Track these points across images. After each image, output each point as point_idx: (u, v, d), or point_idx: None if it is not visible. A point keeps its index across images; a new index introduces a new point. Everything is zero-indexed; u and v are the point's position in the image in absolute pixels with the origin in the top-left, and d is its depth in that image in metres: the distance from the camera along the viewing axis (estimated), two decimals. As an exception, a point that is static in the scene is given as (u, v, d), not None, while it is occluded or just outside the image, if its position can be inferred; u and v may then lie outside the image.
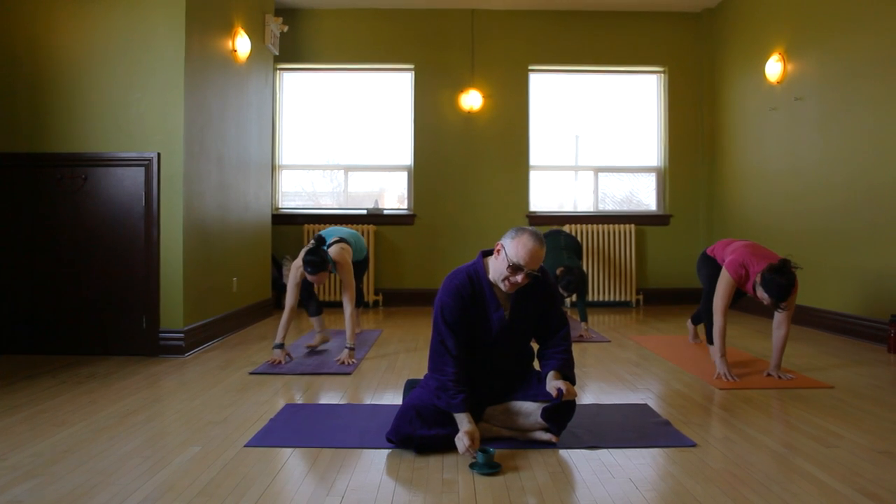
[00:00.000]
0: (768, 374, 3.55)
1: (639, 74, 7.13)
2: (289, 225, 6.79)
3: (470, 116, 6.90)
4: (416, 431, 2.35)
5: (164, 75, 4.16)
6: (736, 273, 3.50)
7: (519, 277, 2.33)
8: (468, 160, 6.91)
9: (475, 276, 2.46)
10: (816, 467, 2.24)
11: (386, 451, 2.40)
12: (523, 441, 2.48)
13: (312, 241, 3.97)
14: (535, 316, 2.53)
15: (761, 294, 3.37)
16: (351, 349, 3.96)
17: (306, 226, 6.73)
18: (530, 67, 7.01)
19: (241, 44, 5.21)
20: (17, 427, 2.68)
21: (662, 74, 7.10)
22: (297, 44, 6.84)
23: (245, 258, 5.47)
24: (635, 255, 6.89)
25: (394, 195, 7.16)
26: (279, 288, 6.29)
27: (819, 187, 5.14)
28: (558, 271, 4.63)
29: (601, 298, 6.85)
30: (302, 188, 7.19)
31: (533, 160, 7.03)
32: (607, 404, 3.05)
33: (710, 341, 3.86)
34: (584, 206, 7.16)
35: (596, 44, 6.98)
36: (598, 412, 2.90)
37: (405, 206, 7.06)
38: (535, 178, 7.07)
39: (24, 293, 4.19)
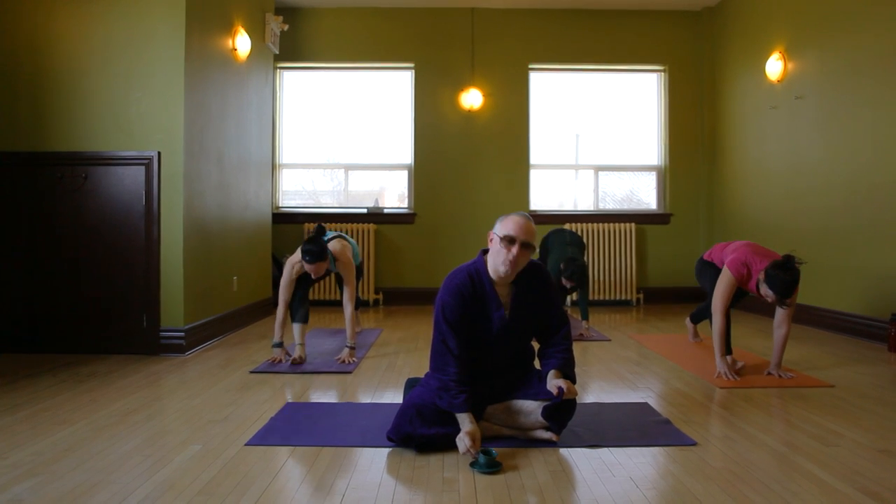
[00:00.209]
0: (769, 373, 3.55)
1: (639, 73, 7.13)
2: (289, 224, 6.78)
3: (470, 115, 6.89)
4: (417, 430, 2.36)
5: (164, 74, 4.16)
6: (737, 272, 3.50)
7: (515, 249, 2.36)
8: (468, 159, 6.91)
9: (476, 275, 2.47)
10: (817, 466, 2.24)
11: (386, 450, 2.40)
12: (524, 440, 2.48)
13: (312, 231, 3.92)
14: (536, 314, 2.53)
15: (765, 291, 3.37)
16: (351, 348, 3.96)
17: (307, 225, 6.72)
18: (530, 66, 7.00)
19: (242, 43, 5.21)
20: (18, 426, 2.68)
21: (663, 73, 7.10)
22: (297, 43, 6.84)
23: (245, 257, 5.47)
24: (636, 254, 6.89)
25: (394, 194, 7.16)
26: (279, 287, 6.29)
27: (819, 186, 5.14)
28: (561, 265, 4.64)
29: (602, 297, 6.85)
30: (302, 187, 7.19)
31: (533, 159, 7.03)
32: (608, 403, 3.05)
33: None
34: (585, 204, 7.16)
35: (596, 42, 6.98)
36: (599, 411, 2.90)
37: (405, 204, 7.06)
38: (535, 176, 7.06)
39: (24, 292, 4.19)
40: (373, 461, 2.30)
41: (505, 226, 2.40)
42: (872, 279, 4.58)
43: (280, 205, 7.00)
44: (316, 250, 3.71)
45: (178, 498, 1.97)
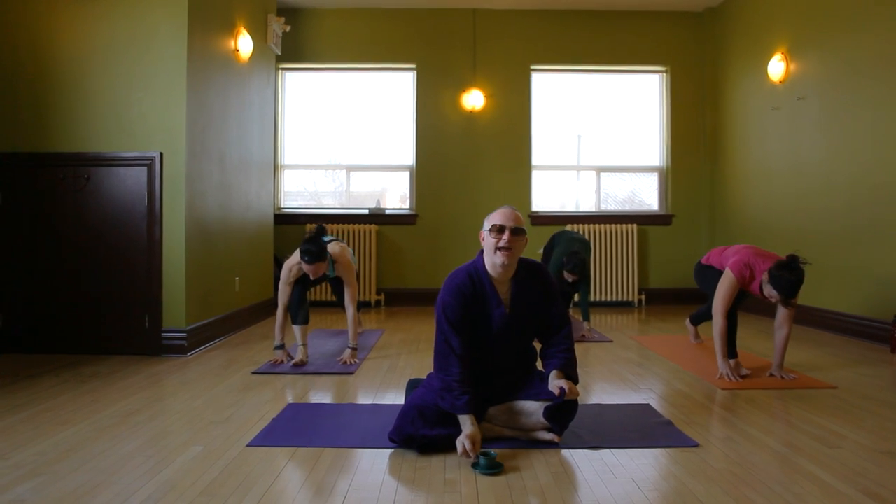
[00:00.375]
0: (771, 375, 3.55)
1: (641, 74, 7.12)
2: (291, 224, 6.79)
3: (472, 116, 6.90)
4: (419, 431, 2.36)
5: (166, 75, 4.17)
6: (740, 273, 3.49)
7: (505, 236, 2.40)
8: (470, 160, 6.91)
9: (475, 274, 2.49)
10: (819, 468, 2.23)
11: (388, 451, 2.40)
12: (525, 441, 2.48)
13: (311, 232, 3.88)
14: (536, 313, 2.54)
15: (769, 292, 3.36)
16: (353, 349, 3.96)
17: (308, 226, 6.70)
18: (532, 67, 7.00)
19: (244, 43, 5.21)
20: (20, 426, 2.69)
21: (664, 74, 7.10)
22: (299, 43, 6.84)
23: (247, 258, 5.47)
24: (637, 255, 6.88)
25: (396, 195, 7.16)
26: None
27: (821, 187, 5.13)
28: (564, 258, 4.64)
29: (603, 298, 6.84)
30: (304, 188, 7.19)
31: (535, 160, 7.03)
32: (609, 404, 3.05)
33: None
34: (587, 205, 7.16)
35: (598, 43, 6.97)
36: (601, 412, 2.89)
37: (407, 205, 7.07)
38: (537, 177, 7.06)
39: (26, 292, 4.20)
40: (374, 462, 2.30)
41: (491, 219, 2.48)
42: (875, 280, 4.57)
43: (282, 205, 7.00)
44: (315, 250, 3.70)
45: (179, 499, 1.97)
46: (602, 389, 3.35)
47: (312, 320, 5.59)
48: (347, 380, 3.56)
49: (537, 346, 2.65)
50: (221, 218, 4.86)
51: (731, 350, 3.61)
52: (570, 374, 2.48)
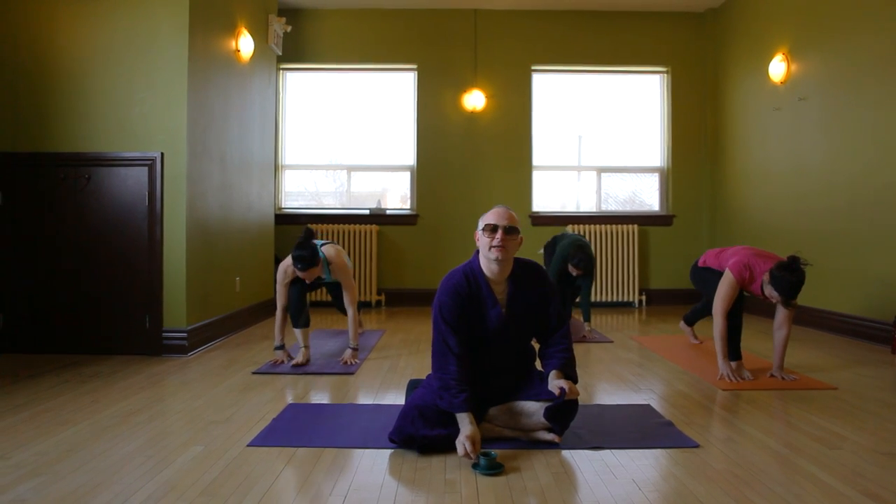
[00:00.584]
0: (771, 375, 3.54)
1: (642, 74, 7.12)
2: (292, 225, 6.79)
3: (473, 116, 6.90)
4: (419, 431, 2.36)
5: (167, 75, 4.17)
6: (739, 274, 3.49)
7: (499, 235, 2.41)
8: (471, 160, 6.91)
9: (471, 274, 2.50)
10: (819, 469, 2.23)
11: (388, 451, 2.40)
12: (526, 441, 2.48)
13: (301, 236, 3.77)
14: (533, 312, 2.54)
15: (770, 292, 3.37)
16: (354, 349, 3.96)
17: (309, 226, 6.72)
18: (533, 67, 7.00)
19: (245, 44, 5.22)
20: (21, 426, 2.69)
21: (665, 74, 7.10)
22: (300, 44, 6.85)
23: (248, 258, 5.48)
24: (638, 256, 6.88)
25: (397, 195, 7.16)
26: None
27: (823, 187, 5.13)
28: (570, 251, 4.60)
29: (604, 299, 6.84)
30: (305, 188, 7.20)
31: (536, 160, 7.03)
32: (610, 405, 3.05)
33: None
34: (587, 206, 7.16)
35: (599, 44, 6.98)
36: (601, 413, 2.89)
37: (408, 206, 7.07)
38: (537, 178, 7.06)
39: (27, 292, 4.20)
40: (375, 462, 2.30)
41: (485, 219, 2.48)
42: (875, 281, 4.57)
43: (283, 206, 7.01)
44: (306, 256, 3.63)
45: (180, 499, 1.97)
46: (602, 390, 3.35)
47: (312, 321, 5.59)
48: (348, 380, 3.56)
49: (536, 345, 2.65)
50: (222, 218, 4.87)
51: (735, 352, 3.60)
52: (570, 374, 2.48)
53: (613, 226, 6.86)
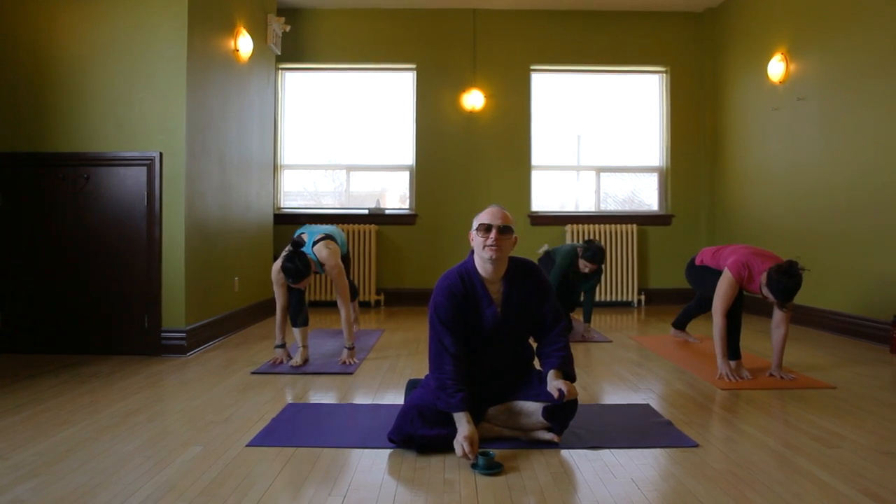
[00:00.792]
0: (770, 375, 3.55)
1: (641, 74, 7.12)
2: (291, 225, 6.77)
3: (472, 116, 6.90)
4: (418, 431, 2.36)
5: (166, 75, 4.17)
6: (738, 273, 3.50)
7: (492, 234, 2.42)
8: (470, 160, 6.91)
9: (466, 275, 2.51)
10: (818, 468, 2.23)
11: (387, 451, 2.40)
12: (525, 441, 2.48)
13: (289, 246, 3.74)
14: (529, 311, 2.54)
15: (767, 293, 3.38)
16: (350, 349, 3.95)
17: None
18: (532, 67, 7.00)
19: (244, 43, 5.21)
20: (20, 426, 2.69)
21: (664, 74, 7.10)
22: (299, 43, 6.84)
23: (247, 258, 5.47)
24: (637, 256, 6.88)
25: (395, 195, 7.16)
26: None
27: (821, 187, 5.13)
28: (579, 249, 4.55)
29: (603, 298, 6.84)
30: (304, 188, 7.19)
31: (535, 160, 7.03)
32: (609, 404, 3.05)
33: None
34: (586, 206, 7.16)
35: (598, 43, 6.98)
36: (600, 412, 2.89)
37: (407, 205, 7.07)
38: (536, 177, 7.06)
39: (26, 292, 4.19)
40: (374, 462, 2.30)
41: (479, 219, 2.49)
42: (874, 280, 4.58)
43: (281, 205, 7.00)
44: (296, 269, 3.65)
45: (179, 499, 1.97)
46: (602, 390, 3.35)
47: (312, 320, 5.59)
48: (347, 380, 3.56)
49: (534, 344, 2.65)
50: (221, 218, 4.86)
51: (734, 351, 3.61)
52: (568, 373, 2.48)
53: (612, 225, 6.86)
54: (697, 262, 4.09)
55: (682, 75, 7.03)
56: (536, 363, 2.64)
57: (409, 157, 7.01)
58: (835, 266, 4.96)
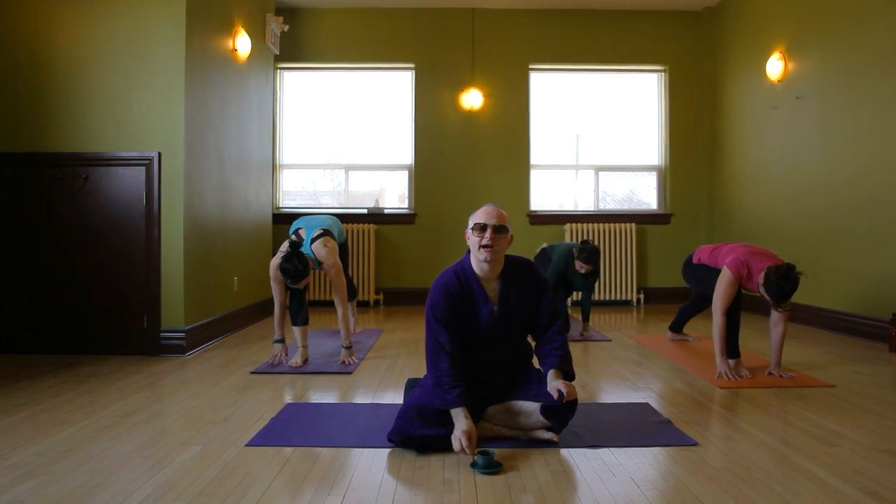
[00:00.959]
0: (769, 373, 3.55)
1: (639, 73, 7.13)
2: (289, 224, 6.76)
3: (470, 115, 6.89)
4: (417, 431, 2.35)
5: (164, 75, 4.16)
6: (737, 272, 3.50)
7: (487, 234, 2.43)
8: (469, 159, 6.91)
9: (462, 273, 2.52)
10: (818, 466, 2.23)
11: (387, 451, 2.40)
12: (525, 440, 2.48)
13: (287, 245, 3.72)
14: (526, 308, 2.55)
15: (763, 292, 3.39)
16: (348, 348, 3.95)
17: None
18: (531, 66, 7.00)
19: (242, 43, 5.21)
20: (19, 426, 2.68)
21: (663, 73, 7.10)
22: (297, 43, 6.84)
23: (246, 257, 5.47)
24: (636, 254, 6.89)
25: (394, 194, 7.16)
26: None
27: (820, 186, 5.14)
28: (575, 250, 4.56)
29: (602, 297, 6.84)
30: (303, 187, 7.19)
31: (533, 159, 7.03)
32: (608, 403, 3.05)
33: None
34: (585, 205, 7.16)
35: (596, 42, 6.98)
36: (600, 411, 2.89)
37: (406, 205, 7.06)
38: (535, 177, 7.06)
39: (24, 293, 4.19)
40: (373, 462, 2.30)
41: (474, 218, 2.50)
42: (873, 279, 4.58)
43: (280, 205, 7.00)
44: (294, 270, 3.63)
45: (178, 499, 1.97)
46: (601, 388, 3.35)
47: (312, 320, 5.59)
48: (346, 379, 3.56)
49: (533, 342, 2.65)
50: (220, 218, 4.86)
51: (733, 350, 3.61)
52: (567, 372, 2.49)
53: (611, 224, 6.86)
54: (695, 260, 4.09)
55: (681, 74, 7.03)
56: (535, 362, 2.64)
57: (407, 157, 7.01)
58: (834, 264, 4.96)
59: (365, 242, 6.75)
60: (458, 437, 2.27)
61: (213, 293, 4.71)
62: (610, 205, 7.17)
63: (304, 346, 3.91)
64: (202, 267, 4.49)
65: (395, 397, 3.16)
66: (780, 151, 5.68)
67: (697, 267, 4.05)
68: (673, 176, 7.03)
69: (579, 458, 2.32)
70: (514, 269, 2.55)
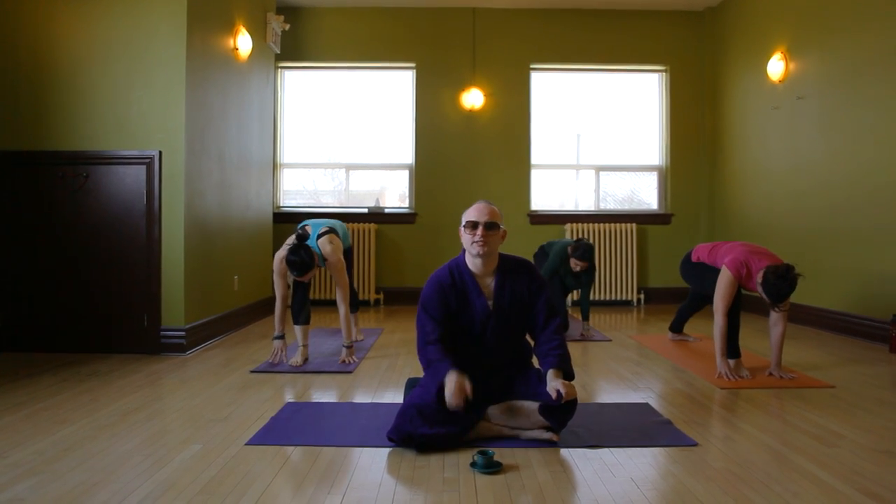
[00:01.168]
0: (770, 374, 3.55)
1: (640, 73, 7.12)
2: (290, 223, 6.76)
3: (471, 115, 6.89)
4: (417, 430, 2.36)
5: (165, 73, 4.16)
6: (737, 271, 3.50)
7: (479, 231, 2.48)
8: (469, 159, 6.91)
9: (456, 269, 2.57)
10: (817, 467, 2.23)
11: (387, 450, 2.40)
12: (524, 440, 2.48)
13: (294, 238, 3.72)
14: (522, 305, 2.56)
15: (761, 292, 3.39)
16: (348, 347, 3.94)
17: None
18: (532, 66, 7.00)
19: (243, 42, 5.21)
20: (19, 425, 2.69)
21: (664, 73, 7.10)
22: (298, 42, 6.84)
23: (246, 256, 5.47)
24: (636, 254, 6.88)
25: (395, 194, 7.16)
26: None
27: (821, 186, 5.13)
28: (569, 248, 4.56)
29: (602, 297, 6.84)
30: (303, 187, 7.19)
31: (534, 159, 7.02)
32: (608, 403, 3.05)
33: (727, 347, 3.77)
34: (586, 205, 7.16)
35: (597, 42, 6.97)
36: (600, 411, 2.89)
37: (406, 204, 7.06)
38: (536, 176, 7.06)
39: (25, 291, 4.19)
40: (373, 461, 2.30)
41: (466, 215, 2.55)
42: (873, 279, 4.58)
43: (281, 204, 7.00)
44: (301, 262, 3.62)
45: (178, 497, 1.97)
46: (601, 388, 3.35)
47: (312, 319, 5.58)
48: (346, 378, 3.56)
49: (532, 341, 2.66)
50: (220, 217, 4.86)
51: (733, 350, 3.61)
52: (566, 372, 2.49)
53: (612, 224, 6.86)
54: (693, 258, 4.08)
55: (682, 74, 7.02)
56: (535, 362, 2.64)
57: (408, 156, 7.01)
58: (834, 265, 4.96)
59: (365, 242, 6.75)
60: (451, 390, 2.30)
61: (214, 292, 4.71)
62: (610, 205, 7.17)
63: (305, 346, 3.91)
64: (202, 266, 4.49)
65: (396, 397, 3.16)
66: (780, 152, 5.68)
67: (696, 265, 4.04)
68: (673, 176, 7.03)
69: (579, 458, 2.32)
70: (510, 267, 2.59)
